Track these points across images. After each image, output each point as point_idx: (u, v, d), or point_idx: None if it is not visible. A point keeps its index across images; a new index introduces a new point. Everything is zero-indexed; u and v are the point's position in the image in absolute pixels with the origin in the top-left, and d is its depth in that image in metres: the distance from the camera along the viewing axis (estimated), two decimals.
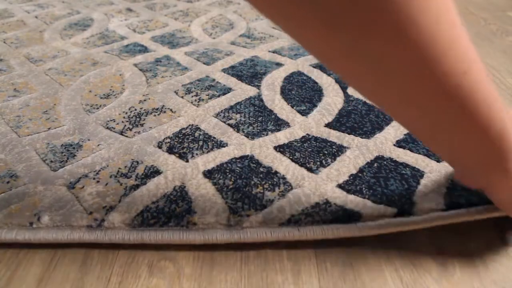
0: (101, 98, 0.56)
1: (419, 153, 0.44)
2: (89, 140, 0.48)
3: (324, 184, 0.40)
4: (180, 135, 0.48)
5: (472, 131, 0.25)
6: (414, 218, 0.36)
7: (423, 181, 0.40)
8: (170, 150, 0.46)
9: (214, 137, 0.48)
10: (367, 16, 0.20)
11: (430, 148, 0.32)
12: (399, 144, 0.46)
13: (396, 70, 0.23)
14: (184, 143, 0.47)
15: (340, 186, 0.40)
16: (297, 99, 0.56)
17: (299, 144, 0.46)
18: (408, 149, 0.45)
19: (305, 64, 0.65)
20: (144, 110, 0.53)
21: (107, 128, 0.50)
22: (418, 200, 0.38)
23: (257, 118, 0.51)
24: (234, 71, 0.63)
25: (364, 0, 0.20)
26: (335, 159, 0.44)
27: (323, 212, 0.37)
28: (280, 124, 0.50)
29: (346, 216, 0.36)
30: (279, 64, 0.65)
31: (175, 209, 0.37)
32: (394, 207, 0.37)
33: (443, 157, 0.31)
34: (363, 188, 0.40)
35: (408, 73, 0.23)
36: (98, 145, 0.47)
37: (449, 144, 0.28)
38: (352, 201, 0.38)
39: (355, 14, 0.20)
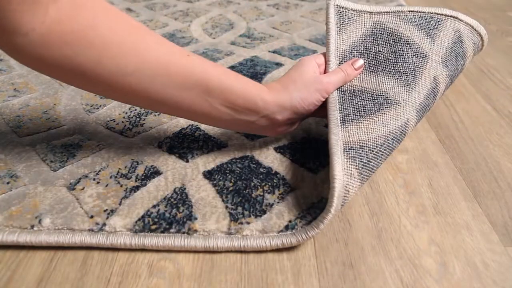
0: (101, 98, 0.56)
1: None
2: (89, 140, 0.48)
3: (323, 184, 0.40)
4: (180, 135, 0.48)
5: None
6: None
7: None
8: (170, 150, 0.46)
9: (214, 138, 0.48)
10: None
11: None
12: None
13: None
14: (184, 143, 0.47)
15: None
16: None
17: (299, 146, 0.46)
18: None
19: None
20: (144, 110, 0.53)
21: (107, 128, 0.50)
22: None
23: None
24: (234, 71, 0.63)
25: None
26: None
27: (315, 210, 0.37)
28: None
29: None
30: (279, 64, 0.65)
31: (176, 214, 0.37)
32: None
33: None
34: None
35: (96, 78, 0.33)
36: (98, 145, 0.47)
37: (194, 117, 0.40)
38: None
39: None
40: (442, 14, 0.45)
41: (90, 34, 0.31)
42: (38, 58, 0.30)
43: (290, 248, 0.36)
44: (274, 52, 0.70)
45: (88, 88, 0.36)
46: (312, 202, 0.38)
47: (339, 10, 0.47)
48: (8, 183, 0.41)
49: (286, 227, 0.36)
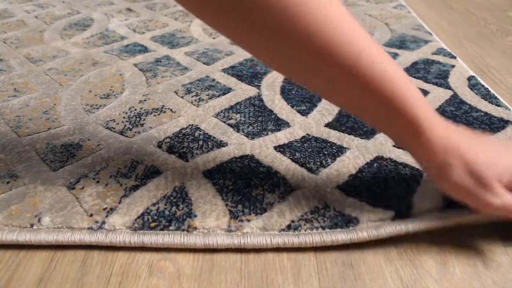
0: (101, 98, 0.56)
1: None
2: (89, 140, 0.48)
3: (324, 185, 0.40)
4: (180, 135, 0.48)
5: (378, 103, 0.31)
6: (412, 221, 0.36)
7: (423, 181, 0.40)
8: (170, 150, 0.46)
9: (214, 137, 0.48)
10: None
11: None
12: None
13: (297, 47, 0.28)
14: (184, 143, 0.47)
15: (339, 187, 0.40)
16: (297, 99, 0.56)
17: (299, 144, 0.46)
18: None
19: None
20: (144, 110, 0.53)
21: (107, 128, 0.50)
22: (416, 201, 0.38)
23: (257, 118, 0.51)
24: (234, 71, 0.63)
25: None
26: (335, 160, 0.44)
27: (322, 218, 0.36)
28: (280, 124, 0.50)
29: (344, 221, 0.36)
30: None
31: (176, 212, 0.37)
32: (392, 209, 0.37)
33: (372, 126, 0.36)
34: (362, 190, 0.40)
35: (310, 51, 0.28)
36: (98, 145, 0.47)
37: (366, 114, 0.33)
38: (351, 205, 0.38)
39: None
40: None
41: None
42: None
43: (290, 248, 0.36)
44: None
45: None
46: (315, 206, 0.38)
47: None
48: (8, 182, 0.41)
49: (289, 227, 0.36)
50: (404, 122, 0.31)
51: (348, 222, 0.36)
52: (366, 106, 0.32)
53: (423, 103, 0.31)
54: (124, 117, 0.52)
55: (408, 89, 0.30)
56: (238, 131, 0.49)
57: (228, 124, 0.50)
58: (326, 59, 0.29)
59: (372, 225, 0.36)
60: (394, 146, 0.46)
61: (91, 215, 0.37)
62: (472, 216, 0.36)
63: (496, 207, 0.31)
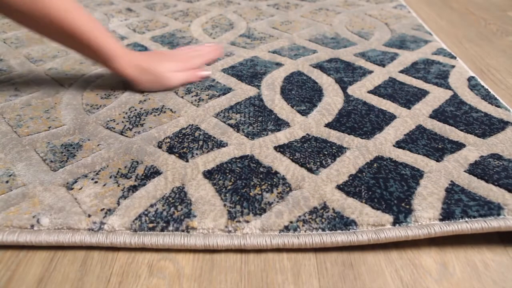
0: (102, 98, 0.56)
1: (419, 153, 0.44)
2: (89, 140, 0.48)
3: (324, 185, 0.40)
4: (180, 135, 0.48)
5: (87, 49, 0.52)
6: (411, 228, 0.35)
7: (422, 182, 0.40)
8: (170, 150, 0.46)
9: (214, 137, 0.48)
10: None
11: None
12: (399, 144, 0.46)
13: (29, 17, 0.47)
14: (184, 143, 0.47)
15: (339, 187, 0.40)
16: (297, 99, 0.56)
17: (299, 144, 0.46)
18: (407, 150, 0.45)
19: (305, 64, 0.65)
20: (144, 110, 0.53)
21: (107, 128, 0.50)
22: (416, 207, 0.37)
23: (257, 118, 0.51)
24: (234, 71, 0.63)
25: None
26: (335, 160, 0.44)
27: (320, 219, 0.36)
28: (280, 124, 0.50)
29: (343, 223, 0.36)
30: (279, 64, 0.65)
31: (174, 213, 0.37)
32: (392, 213, 0.37)
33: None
34: (362, 190, 0.40)
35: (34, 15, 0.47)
36: (98, 145, 0.47)
37: (78, 51, 0.54)
38: (350, 205, 0.38)
39: None
40: None
41: None
42: None
43: (290, 248, 0.36)
44: (274, 52, 0.70)
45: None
46: (314, 207, 0.38)
47: None
48: (7, 182, 0.41)
49: (287, 228, 0.36)
50: (100, 56, 0.53)
51: (347, 224, 0.36)
52: (77, 47, 0.52)
53: (110, 42, 0.53)
54: (124, 117, 0.52)
55: (102, 37, 0.52)
56: (238, 131, 0.49)
57: (228, 124, 0.50)
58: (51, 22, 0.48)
59: (372, 229, 0.36)
60: (394, 146, 0.46)
61: (89, 216, 0.37)
62: (470, 225, 0.36)
63: (173, 84, 0.58)
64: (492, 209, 0.36)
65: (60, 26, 0.48)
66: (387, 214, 0.37)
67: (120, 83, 0.60)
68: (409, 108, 0.53)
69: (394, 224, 0.36)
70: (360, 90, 0.58)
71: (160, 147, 0.46)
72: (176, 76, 0.58)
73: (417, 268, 0.34)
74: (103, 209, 0.38)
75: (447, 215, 0.36)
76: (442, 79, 0.60)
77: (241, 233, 0.36)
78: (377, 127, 0.49)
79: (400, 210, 0.37)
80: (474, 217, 0.36)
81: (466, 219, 0.36)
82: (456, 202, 0.38)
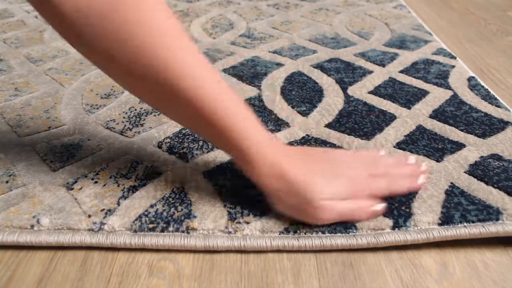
0: (102, 98, 0.56)
1: (419, 154, 0.44)
2: (89, 140, 0.48)
3: None
4: (180, 135, 0.48)
5: (219, 137, 0.35)
6: (410, 232, 0.35)
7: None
8: (170, 150, 0.46)
9: None
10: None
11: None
12: (399, 146, 0.46)
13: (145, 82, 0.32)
14: (184, 143, 0.47)
15: None
16: (297, 99, 0.56)
17: (299, 145, 0.46)
18: (408, 151, 0.45)
19: (306, 64, 0.65)
20: (144, 110, 0.53)
21: (107, 128, 0.50)
22: (416, 211, 0.37)
23: (257, 118, 0.51)
24: (235, 71, 0.63)
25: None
26: None
27: (339, 221, 0.36)
28: (280, 124, 0.50)
29: (343, 226, 0.36)
30: (279, 64, 0.65)
31: (174, 213, 0.37)
32: (391, 218, 0.36)
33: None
34: None
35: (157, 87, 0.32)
36: (98, 145, 0.47)
37: (206, 138, 0.41)
38: None
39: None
40: None
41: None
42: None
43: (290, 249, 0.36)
44: (274, 52, 0.70)
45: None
46: None
47: None
48: (7, 182, 0.41)
49: (287, 230, 0.36)
50: (237, 152, 0.35)
51: (347, 228, 0.36)
52: (205, 132, 0.36)
53: (250, 133, 0.34)
54: (124, 117, 0.52)
55: (239, 121, 0.34)
56: None
57: None
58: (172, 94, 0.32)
59: (372, 233, 0.35)
60: (394, 147, 0.46)
61: (89, 216, 0.37)
62: (469, 230, 0.35)
63: (324, 221, 0.35)
64: (491, 214, 0.36)
65: (187, 103, 0.32)
66: (387, 218, 0.36)
67: None
68: (409, 108, 0.53)
69: (393, 228, 0.36)
70: (360, 90, 0.58)
71: (160, 147, 0.46)
72: (334, 207, 0.35)
73: (417, 268, 0.34)
74: (103, 209, 0.38)
75: (446, 219, 0.36)
76: (442, 79, 0.60)
77: (241, 234, 0.36)
78: (377, 127, 0.49)
79: (400, 214, 0.37)
80: (473, 221, 0.36)
81: (465, 223, 0.36)
82: (456, 205, 0.38)
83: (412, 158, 0.41)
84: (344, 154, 0.39)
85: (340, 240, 0.35)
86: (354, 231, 0.35)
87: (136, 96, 0.39)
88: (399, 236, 0.35)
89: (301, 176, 0.34)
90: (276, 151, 0.35)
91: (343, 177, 0.36)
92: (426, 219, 0.36)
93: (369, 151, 0.42)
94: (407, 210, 0.37)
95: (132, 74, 0.31)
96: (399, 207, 0.38)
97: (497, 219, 0.36)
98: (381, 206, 0.36)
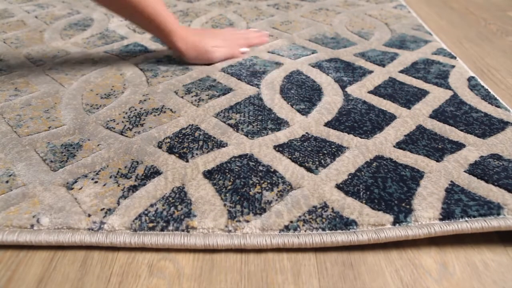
0: (102, 98, 0.56)
1: (419, 154, 0.44)
2: (89, 140, 0.48)
3: (323, 184, 0.40)
4: (180, 135, 0.48)
5: (152, 26, 0.60)
6: (411, 228, 0.35)
7: (422, 182, 0.40)
8: (170, 150, 0.46)
9: (214, 137, 0.48)
10: None
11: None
12: (399, 146, 0.46)
13: None
14: (184, 143, 0.47)
15: (338, 186, 0.40)
16: (297, 98, 0.56)
17: (298, 143, 0.47)
18: (408, 151, 0.45)
19: (305, 63, 0.65)
20: (144, 110, 0.53)
21: (107, 128, 0.50)
22: (416, 207, 0.37)
23: (257, 117, 0.51)
24: (234, 71, 0.63)
25: None
26: (334, 159, 0.44)
27: (320, 219, 0.36)
28: (279, 123, 0.50)
29: (343, 223, 0.36)
30: (278, 64, 0.65)
31: (174, 212, 0.37)
32: (392, 213, 0.37)
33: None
34: (361, 190, 0.39)
35: None
36: (98, 145, 0.47)
37: (145, 28, 0.62)
38: (350, 205, 0.38)
39: None
40: None
41: None
42: None
43: (290, 248, 0.36)
44: (273, 52, 0.70)
45: None
46: (314, 206, 0.38)
47: None
48: (7, 182, 0.41)
49: (287, 227, 0.36)
50: (160, 30, 0.61)
51: (347, 224, 0.36)
52: (144, 24, 0.61)
53: (169, 18, 0.60)
54: (124, 117, 0.52)
55: (164, 15, 0.59)
56: (237, 130, 0.49)
57: (228, 124, 0.50)
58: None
59: (373, 229, 0.36)
60: (394, 146, 0.46)
61: (89, 215, 0.37)
62: (470, 225, 0.36)
63: (215, 58, 0.66)
64: (492, 208, 0.36)
65: (127, 1, 0.55)
66: (387, 214, 0.37)
67: (120, 82, 0.60)
68: (409, 108, 0.53)
69: (394, 223, 0.36)
70: (360, 90, 0.58)
71: (160, 147, 0.46)
72: (219, 50, 0.65)
73: (417, 268, 0.34)
74: (103, 208, 0.38)
75: (447, 214, 0.36)
76: (442, 79, 0.60)
77: (241, 233, 0.36)
78: (377, 126, 0.49)
79: (401, 210, 0.37)
80: (474, 216, 0.36)
81: (466, 218, 0.36)
82: (456, 202, 0.38)
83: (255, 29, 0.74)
84: (220, 29, 0.73)
85: (340, 236, 0.35)
86: (355, 227, 0.36)
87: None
88: (400, 232, 0.35)
89: (200, 40, 0.64)
90: (184, 29, 0.63)
91: (221, 38, 0.67)
92: (427, 214, 0.36)
93: (233, 28, 0.77)
94: (407, 206, 0.37)
95: None
96: (399, 204, 0.38)
97: (498, 214, 0.36)
98: (246, 49, 0.69)
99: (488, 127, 0.49)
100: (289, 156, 0.44)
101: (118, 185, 0.41)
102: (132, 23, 0.69)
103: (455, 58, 0.67)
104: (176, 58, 0.67)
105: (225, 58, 0.66)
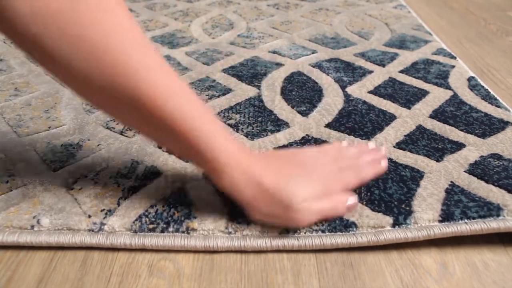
0: None
1: (419, 154, 0.44)
2: (89, 140, 0.48)
3: None
4: None
5: (187, 150, 0.34)
6: (411, 230, 0.35)
7: (422, 183, 0.40)
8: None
9: None
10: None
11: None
12: (399, 146, 0.46)
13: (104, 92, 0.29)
14: None
15: None
16: (297, 99, 0.56)
17: (299, 145, 0.46)
18: (408, 151, 0.45)
19: (305, 64, 0.65)
20: None
21: (107, 128, 0.50)
22: (416, 209, 0.37)
23: (257, 118, 0.51)
24: (234, 71, 0.63)
25: None
26: None
27: (320, 221, 0.36)
28: (279, 124, 0.50)
29: (343, 225, 0.36)
30: (279, 64, 0.65)
31: (174, 213, 0.37)
32: (391, 215, 0.36)
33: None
34: (362, 191, 0.39)
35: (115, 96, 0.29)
36: (98, 145, 0.47)
37: (175, 151, 0.41)
38: None
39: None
40: None
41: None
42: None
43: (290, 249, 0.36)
44: (274, 52, 0.70)
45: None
46: None
47: None
48: (7, 182, 0.41)
49: (287, 229, 0.36)
50: (207, 163, 0.34)
51: (347, 226, 0.36)
52: (171, 144, 0.35)
53: (221, 142, 0.33)
54: None
55: (206, 130, 0.32)
56: (237, 131, 0.49)
57: (228, 124, 0.50)
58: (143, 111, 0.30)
59: (372, 231, 0.35)
60: (394, 147, 0.46)
61: (89, 216, 0.37)
62: (470, 226, 0.35)
63: (305, 223, 0.35)
64: (491, 210, 0.36)
65: (150, 113, 0.30)
66: (387, 216, 0.36)
67: None
68: (409, 108, 0.53)
69: (393, 225, 0.36)
70: (360, 90, 0.58)
71: (160, 147, 0.46)
72: (312, 208, 0.34)
73: (417, 268, 0.34)
74: (103, 209, 0.38)
75: (446, 216, 0.36)
76: (442, 79, 0.60)
77: (241, 235, 0.36)
78: (378, 127, 0.49)
79: (400, 212, 0.37)
80: (474, 218, 0.36)
81: (466, 220, 0.36)
82: (456, 203, 0.38)
83: (372, 143, 0.43)
84: (311, 152, 0.39)
85: (340, 239, 0.35)
86: (354, 229, 0.35)
87: (105, 113, 0.37)
88: (399, 234, 0.35)
89: (275, 182, 0.34)
90: (247, 158, 0.34)
91: (315, 177, 0.36)
92: (426, 216, 0.36)
93: (332, 144, 0.42)
94: (407, 208, 0.37)
95: (90, 81, 0.28)
96: (399, 205, 0.38)
97: (498, 215, 0.36)
98: (354, 199, 0.36)
99: (488, 127, 0.49)
100: None
101: (118, 186, 0.41)
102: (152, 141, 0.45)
103: (455, 58, 0.67)
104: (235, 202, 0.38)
105: (320, 222, 0.36)
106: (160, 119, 0.30)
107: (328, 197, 0.35)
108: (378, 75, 0.62)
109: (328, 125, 0.50)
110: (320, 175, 0.36)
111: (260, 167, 0.34)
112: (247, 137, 0.48)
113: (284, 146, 0.46)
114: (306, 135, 0.48)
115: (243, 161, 0.34)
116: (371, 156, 0.40)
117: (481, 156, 0.44)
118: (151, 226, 0.36)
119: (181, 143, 0.32)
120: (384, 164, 0.41)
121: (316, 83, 0.60)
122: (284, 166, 0.36)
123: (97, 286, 0.33)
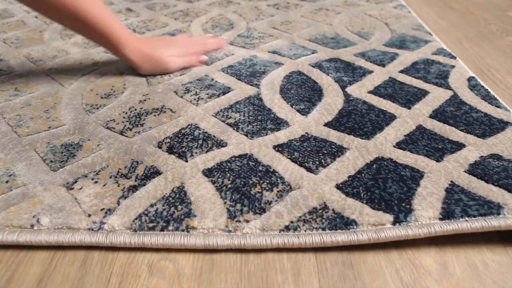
0: (102, 98, 0.56)
1: (419, 154, 0.44)
2: (89, 140, 0.48)
3: (323, 184, 0.40)
4: (179, 135, 0.48)
5: (98, 36, 0.56)
6: (411, 227, 0.35)
7: (422, 182, 0.40)
8: (170, 150, 0.46)
9: (214, 136, 0.48)
10: None
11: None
12: (399, 146, 0.46)
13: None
14: (184, 142, 0.47)
15: (338, 186, 0.40)
16: (296, 98, 0.56)
17: (298, 143, 0.46)
18: (408, 151, 0.45)
19: (305, 63, 0.65)
20: (144, 110, 0.53)
21: (107, 128, 0.50)
22: (416, 207, 0.37)
23: (256, 117, 0.51)
24: (233, 71, 0.63)
25: None
26: (334, 159, 0.44)
27: (320, 219, 0.36)
28: (279, 123, 0.50)
29: (344, 223, 0.36)
30: (278, 64, 0.65)
31: (174, 212, 0.37)
32: (392, 213, 0.37)
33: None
34: (362, 191, 0.39)
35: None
36: (98, 145, 0.47)
37: (90, 38, 0.58)
38: (350, 205, 0.38)
39: None
40: None
41: None
42: None
43: (290, 248, 0.36)
44: (273, 52, 0.70)
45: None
46: (314, 207, 0.38)
47: None
48: (7, 182, 0.41)
49: (287, 227, 0.36)
50: (108, 42, 0.57)
51: (347, 224, 0.36)
52: (92, 36, 0.56)
53: (118, 29, 0.56)
54: (124, 117, 0.52)
55: (111, 24, 0.55)
56: (237, 130, 0.49)
57: (227, 124, 0.50)
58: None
59: (373, 228, 0.36)
60: (394, 147, 0.46)
61: (89, 215, 0.37)
62: (470, 224, 0.36)
63: (173, 69, 0.62)
64: (492, 208, 0.36)
65: (72, 11, 0.51)
66: (387, 213, 0.37)
67: (120, 82, 0.60)
68: (409, 108, 0.53)
69: (394, 223, 0.36)
70: (360, 90, 0.58)
71: (160, 147, 0.46)
72: (175, 60, 0.62)
73: (417, 268, 0.34)
74: (103, 209, 0.38)
75: (447, 214, 0.36)
76: (442, 79, 0.60)
77: (241, 233, 0.36)
78: (378, 127, 0.49)
79: (401, 210, 0.37)
80: (474, 216, 0.36)
81: (466, 218, 0.36)
82: (456, 201, 0.38)
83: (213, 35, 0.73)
84: (175, 37, 0.67)
85: (340, 236, 0.35)
86: (355, 227, 0.35)
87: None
88: (400, 231, 0.35)
89: (153, 49, 0.60)
90: (134, 37, 0.59)
91: (176, 46, 0.63)
92: (427, 214, 0.36)
93: (191, 34, 0.73)
94: (408, 206, 0.37)
95: None
96: (399, 203, 0.38)
97: (498, 213, 0.36)
98: (204, 57, 0.65)
99: (488, 127, 0.49)
100: (289, 156, 0.44)
101: (118, 185, 0.41)
102: (83, 37, 0.67)
103: (455, 58, 0.67)
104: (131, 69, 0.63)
105: (183, 68, 0.63)
106: (80, 17, 0.52)
107: (186, 56, 0.63)
108: (378, 75, 0.62)
109: (327, 124, 0.50)
110: (179, 45, 0.64)
111: (142, 42, 0.61)
112: (247, 136, 0.48)
113: (284, 144, 0.46)
114: (306, 133, 0.48)
115: (132, 39, 0.58)
116: (215, 39, 0.70)
117: (481, 156, 0.44)
118: (151, 225, 0.36)
119: (95, 32, 0.54)
120: (224, 43, 0.70)
121: (316, 82, 0.60)
122: (157, 42, 0.63)
123: (97, 286, 0.33)
